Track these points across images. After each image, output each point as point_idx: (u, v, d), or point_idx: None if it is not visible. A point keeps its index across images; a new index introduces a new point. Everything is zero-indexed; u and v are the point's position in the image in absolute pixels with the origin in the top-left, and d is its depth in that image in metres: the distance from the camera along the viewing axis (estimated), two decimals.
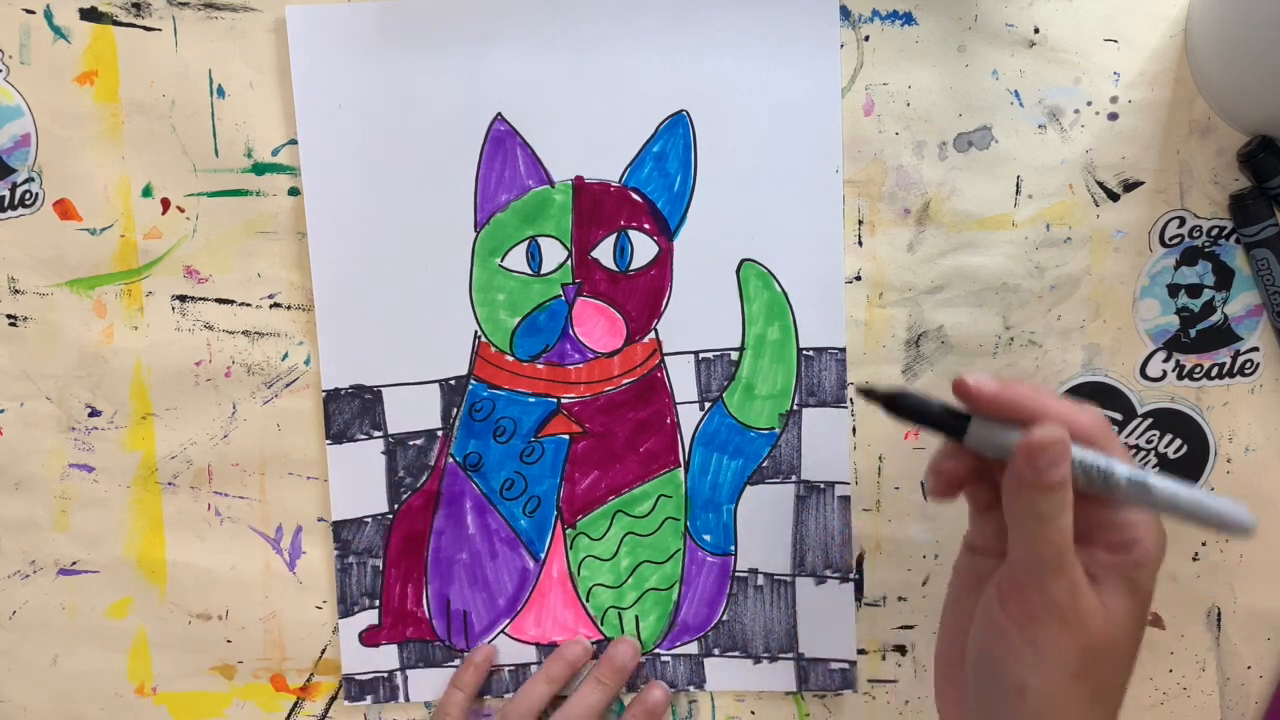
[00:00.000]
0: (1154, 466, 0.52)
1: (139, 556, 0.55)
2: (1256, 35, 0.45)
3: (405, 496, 0.54)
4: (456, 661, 0.54)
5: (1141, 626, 0.36)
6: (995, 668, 0.37)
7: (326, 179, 0.52)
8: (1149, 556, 0.35)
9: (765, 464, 0.53)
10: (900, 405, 0.38)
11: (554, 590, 0.54)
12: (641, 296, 0.52)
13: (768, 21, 0.51)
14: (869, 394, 0.38)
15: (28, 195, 0.53)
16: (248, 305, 0.53)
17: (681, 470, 0.53)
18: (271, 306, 0.53)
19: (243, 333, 0.54)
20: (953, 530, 0.53)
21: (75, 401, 0.54)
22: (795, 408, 0.52)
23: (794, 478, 0.53)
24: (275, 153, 0.53)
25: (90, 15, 0.52)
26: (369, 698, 0.55)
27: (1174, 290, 0.51)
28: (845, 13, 0.51)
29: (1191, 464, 0.52)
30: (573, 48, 0.51)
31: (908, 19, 0.51)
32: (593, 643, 0.54)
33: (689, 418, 0.53)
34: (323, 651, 0.55)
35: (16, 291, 0.54)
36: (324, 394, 0.53)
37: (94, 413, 0.54)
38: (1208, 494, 0.35)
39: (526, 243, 0.52)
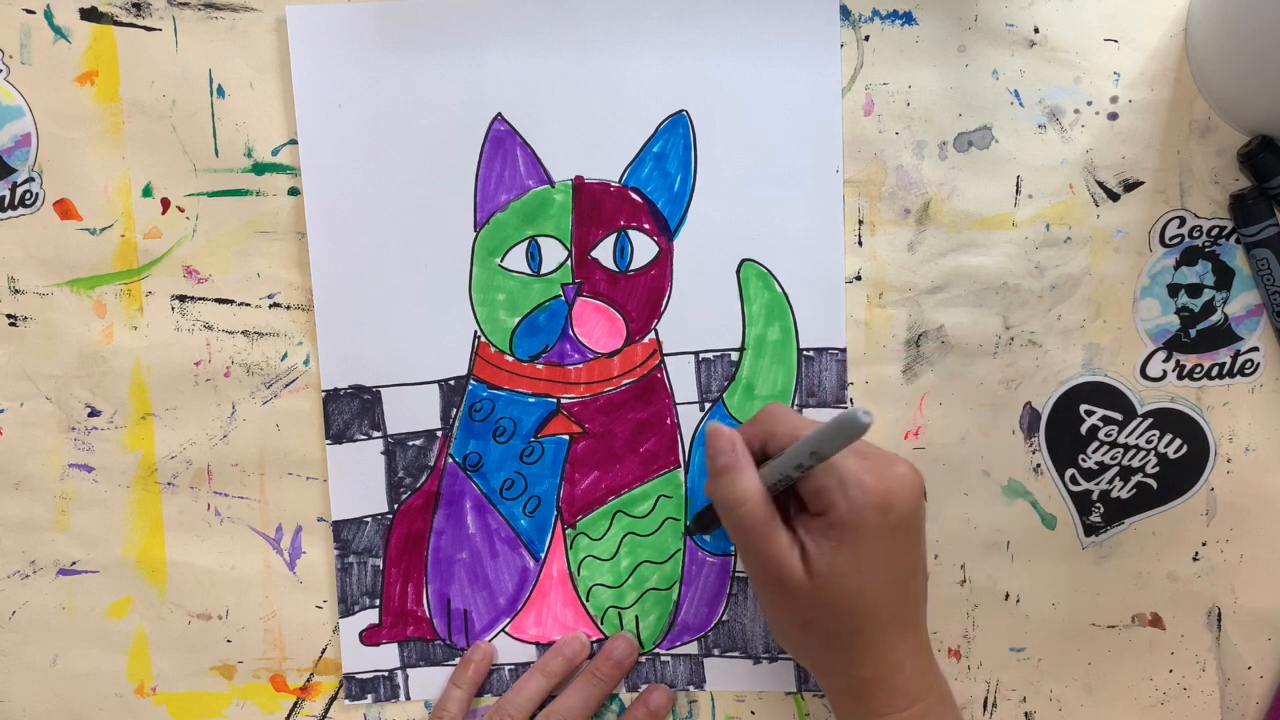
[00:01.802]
0: (1154, 467, 0.52)
1: (139, 556, 0.55)
2: (1256, 35, 0.45)
3: (405, 496, 0.54)
4: (457, 660, 0.54)
5: (847, 575, 0.42)
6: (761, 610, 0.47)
7: (326, 179, 0.52)
8: (842, 515, 0.42)
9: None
10: (703, 524, 0.50)
11: (554, 590, 0.54)
12: (641, 296, 0.52)
13: (768, 21, 0.51)
14: (689, 530, 0.51)
15: (28, 195, 0.53)
16: (247, 305, 0.53)
17: (682, 470, 0.53)
18: (271, 306, 0.53)
19: (242, 333, 0.54)
20: (952, 530, 0.53)
21: (75, 401, 0.54)
22: (796, 408, 0.52)
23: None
24: (275, 153, 0.53)
25: (90, 15, 0.52)
26: (369, 696, 0.55)
27: (1174, 290, 0.51)
28: (845, 13, 0.51)
29: (1191, 464, 0.52)
30: (573, 48, 0.51)
31: (908, 19, 0.51)
32: (592, 642, 0.54)
33: (689, 418, 0.53)
34: (323, 651, 0.55)
35: (16, 291, 0.54)
36: (323, 394, 0.53)
37: (94, 413, 0.54)
38: (836, 419, 0.40)
39: (526, 243, 0.52)
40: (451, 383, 0.53)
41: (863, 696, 0.44)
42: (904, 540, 0.43)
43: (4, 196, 0.53)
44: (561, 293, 0.52)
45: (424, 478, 0.54)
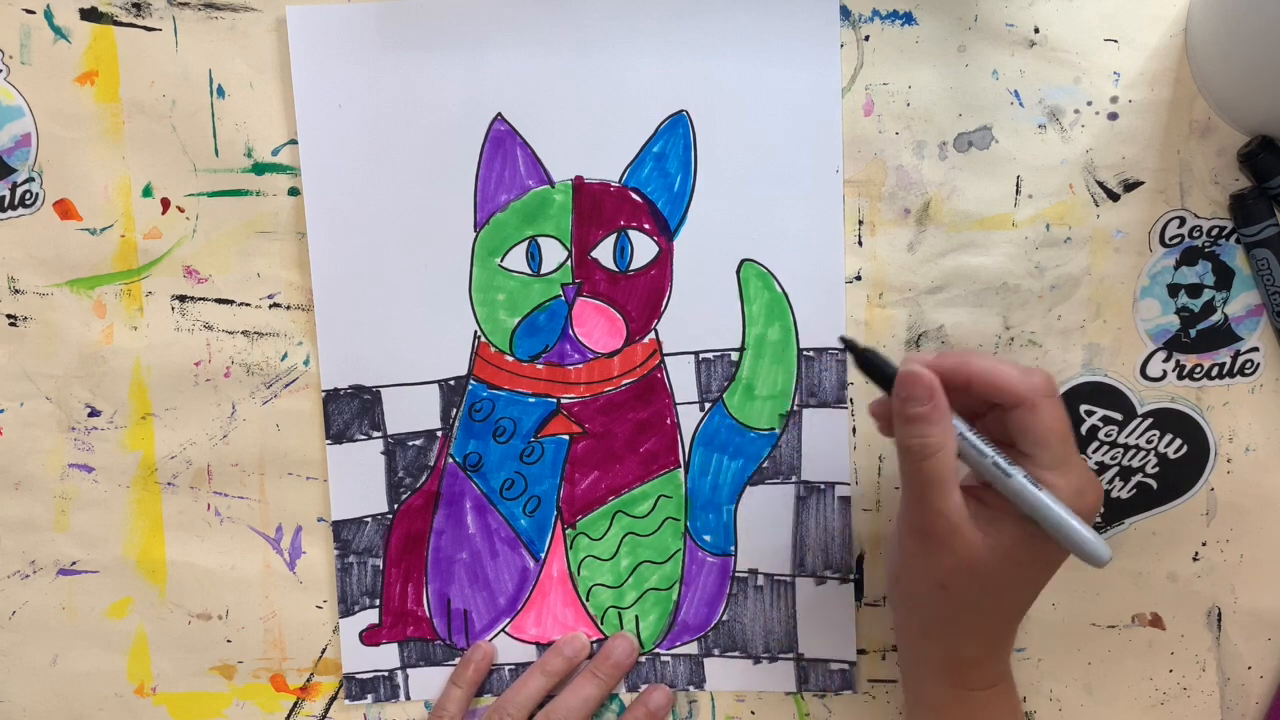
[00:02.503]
0: (1154, 467, 0.52)
1: (139, 556, 0.55)
2: (1256, 35, 0.45)
3: (405, 496, 0.54)
4: (457, 660, 0.54)
5: (1021, 564, 0.42)
6: (888, 569, 0.47)
7: (326, 179, 0.52)
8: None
9: (765, 464, 0.53)
10: (867, 361, 0.44)
11: (554, 590, 0.54)
12: (641, 296, 0.52)
13: (768, 21, 0.51)
14: (850, 346, 0.45)
15: (28, 195, 0.53)
16: (247, 305, 0.53)
17: (681, 470, 0.53)
18: (271, 306, 0.53)
19: (242, 333, 0.54)
20: None
21: (75, 401, 0.54)
22: (795, 408, 0.52)
23: (794, 478, 0.53)
24: (275, 153, 0.53)
25: (90, 15, 0.52)
26: (369, 696, 0.55)
27: (1174, 290, 0.51)
28: (845, 13, 0.51)
29: (1191, 464, 0.52)
30: (573, 48, 0.51)
31: (908, 19, 0.51)
32: (592, 642, 0.54)
33: (689, 418, 0.53)
34: (323, 651, 0.55)
35: (16, 291, 0.54)
36: (323, 394, 0.53)
37: (94, 413, 0.54)
38: (1080, 522, 0.41)
39: (526, 243, 0.52)
40: (451, 383, 0.53)
41: (958, 671, 0.45)
42: (1066, 552, 0.43)
43: (4, 196, 0.53)
44: (561, 293, 0.52)
45: (424, 478, 0.54)
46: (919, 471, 0.42)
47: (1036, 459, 0.42)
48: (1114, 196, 0.51)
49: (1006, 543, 0.42)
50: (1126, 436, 0.52)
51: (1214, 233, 0.51)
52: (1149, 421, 0.52)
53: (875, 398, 0.46)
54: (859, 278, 0.52)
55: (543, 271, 0.52)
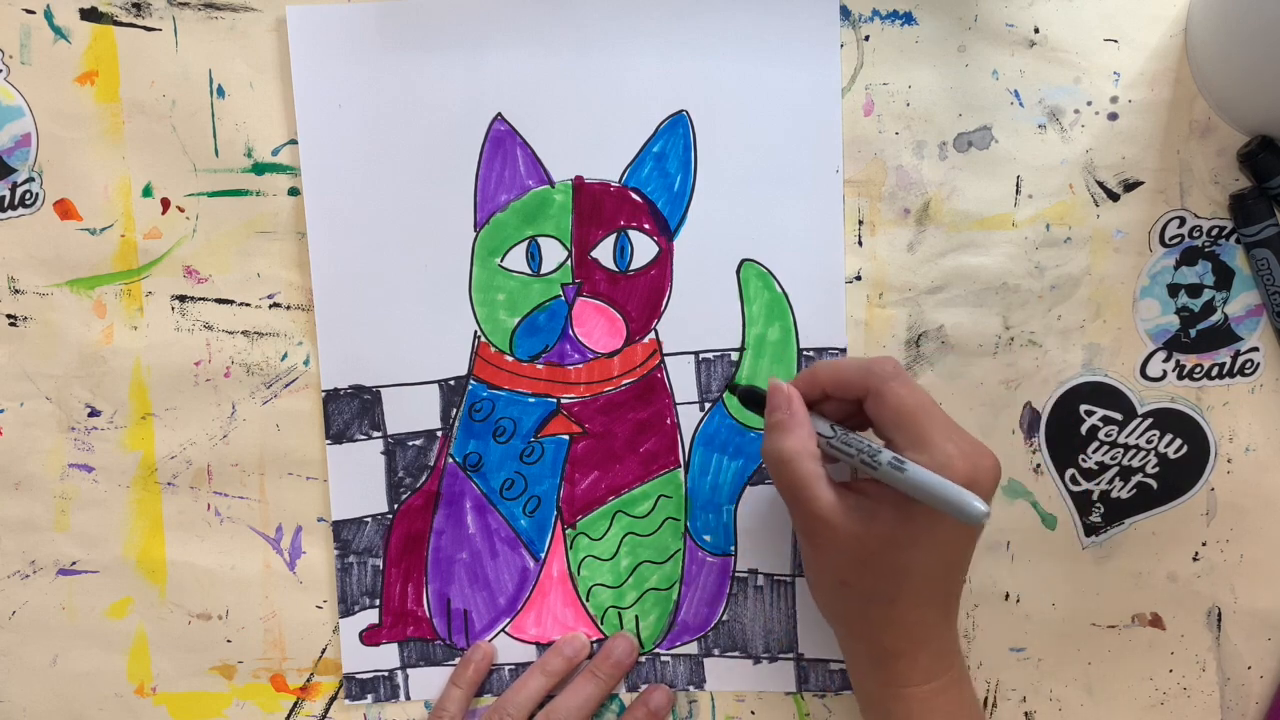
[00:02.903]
0: (1154, 467, 0.52)
1: (139, 556, 0.55)
2: (1256, 35, 0.45)
3: (405, 496, 0.54)
4: (457, 660, 0.54)
5: (907, 545, 0.42)
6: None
7: (326, 179, 0.52)
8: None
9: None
10: (751, 397, 0.48)
11: (554, 590, 0.54)
12: (641, 296, 0.52)
13: (768, 21, 0.51)
14: (732, 388, 0.48)
15: (28, 195, 0.53)
16: (247, 305, 0.53)
17: (681, 470, 0.53)
18: (271, 306, 0.53)
19: (242, 333, 0.54)
20: None
21: (75, 401, 0.54)
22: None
23: None
24: (275, 153, 0.53)
25: (90, 15, 0.52)
26: (369, 696, 0.55)
27: (1174, 290, 0.51)
28: (845, 13, 0.51)
29: (1192, 464, 0.52)
30: (573, 48, 0.51)
31: (908, 19, 0.51)
32: (592, 642, 0.54)
33: (689, 418, 0.53)
34: (323, 651, 0.55)
35: (16, 291, 0.54)
36: (323, 394, 0.53)
37: (94, 413, 0.54)
38: (945, 483, 0.41)
39: (526, 243, 0.52)
40: (451, 383, 0.53)
41: (884, 665, 0.45)
42: (968, 531, 0.44)
43: (4, 196, 0.53)
44: (561, 293, 0.52)
45: (424, 478, 0.54)
46: (785, 478, 0.44)
47: (897, 441, 0.43)
48: (1114, 196, 0.51)
49: (886, 528, 0.42)
50: (1126, 436, 0.52)
51: (1214, 233, 0.51)
52: (1149, 421, 0.52)
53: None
54: (859, 278, 0.52)
55: (543, 271, 0.52)
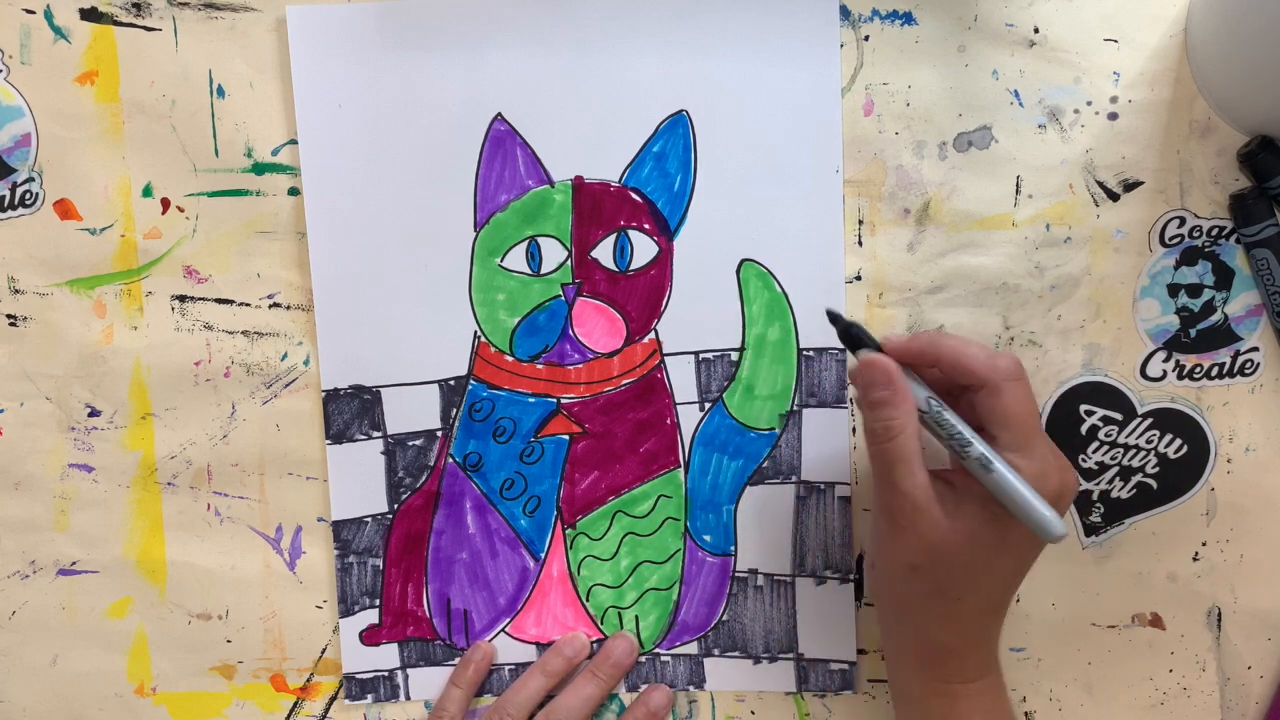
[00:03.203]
0: (1154, 467, 0.52)
1: (139, 556, 0.55)
2: (1256, 35, 0.45)
3: (405, 496, 0.54)
4: (457, 660, 0.54)
5: (987, 546, 0.42)
6: (868, 555, 0.49)
7: (326, 179, 0.52)
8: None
9: (765, 464, 0.53)
10: (849, 335, 0.46)
11: (554, 590, 0.54)
12: (641, 296, 0.52)
13: (768, 21, 0.51)
14: (835, 319, 0.46)
15: (28, 195, 0.53)
16: (247, 305, 0.53)
17: (681, 470, 0.53)
18: (271, 306, 0.53)
19: (242, 333, 0.54)
20: None
21: (75, 401, 0.54)
22: (795, 408, 0.52)
23: (794, 478, 0.53)
24: (275, 153, 0.53)
25: (90, 15, 0.52)
26: (369, 696, 0.55)
27: (1174, 290, 0.51)
28: (845, 13, 0.51)
29: (1192, 464, 0.52)
30: (573, 48, 0.51)
31: (908, 19, 0.51)
32: (592, 642, 0.54)
33: (689, 418, 0.53)
34: (323, 651, 0.55)
35: (16, 291, 0.54)
36: (323, 394, 0.53)
37: (94, 413, 0.54)
38: (1035, 496, 0.41)
39: (526, 243, 0.52)
40: (451, 383, 0.53)
41: (936, 660, 0.45)
42: (1041, 543, 0.44)
43: (4, 196, 0.53)
44: (561, 293, 0.52)
45: (424, 478, 0.54)
46: (883, 453, 0.43)
47: (1000, 440, 0.43)
48: (1114, 196, 0.51)
49: (972, 524, 0.42)
50: (1126, 436, 0.52)
51: (1214, 233, 0.51)
52: (1149, 421, 0.52)
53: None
54: (859, 278, 0.52)
55: (543, 271, 0.52)
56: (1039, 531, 0.41)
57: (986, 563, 0.43)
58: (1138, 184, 0.51)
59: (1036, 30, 0.50)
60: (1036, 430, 0.43)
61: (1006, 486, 0.41)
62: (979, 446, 0.42)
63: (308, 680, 0.55)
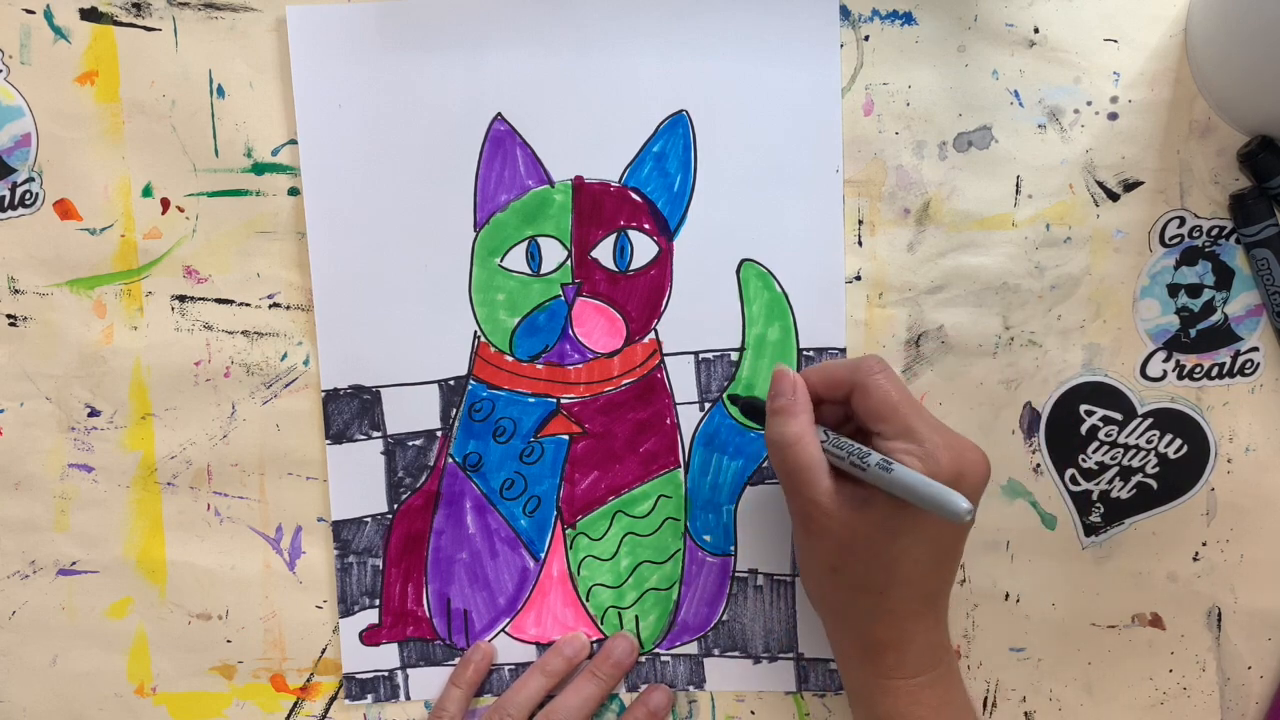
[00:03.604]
0: (1154, 467, 0.52)
1: (139, 556, 0.55)
2: (1256, 35, 0.45)
3: (405, 496, 0.54)
4: (456, 660, 0.54)
5: (899, 534, 0.43)
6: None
7: (326, 179, 0.52)
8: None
9: (765, 464, 0.53)
10: (748, 410, 0.49)
11: (554, 590, 0.54)
12: (641, 296, 0.52)
13: (768, 21, 0.51)
14: (733, 400, 0.50)
15: (28, 195, 0.53)
16: (247, 305, 0.53)
17: (681, 470, 0.53)
18: (271, 306, 0.53)
19: (242, 333, 0.54)
20: None
21: (75, 401, 0.54)
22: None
23: None
24: (275, 153, 0.53)
25: (90, 15, 0.52)
26: (369, 696, 0.55)
27: (1174, 290, 0.51)
28: (845, 13, 0.51)
29: (1192, 464, 0.52)
30: (573, 48, 0.51)
31: (908, 19, 0.51)
32: (592, 642, 0.54)
33: (689, 418, 0.53)
34: (323, 651, 0.55)
35: (16, 291, 0.54)
36: (323, 394, 0.53)
37: (93, 413, 0.54)
38: (931, 482, 0.41)
39: (526, 243, 0.52)
40: (451, 383, 0.53)
41: (873, 657, 0.45)
42: (956, 526, 0.44)
43: (4, 196, 0.53)
44: (561, 293, 0.52)
45: (424, 478, 0.54)
46: (787, 463, 0.44)
47: (883, 434, 0.44)
48: (1114, 196, 0.51)
49: (879, 516, 0.43)
50: (1126, 436, 0.52)
51: (1214, 233, 0.51)
52: (1149, 421, 0.52)
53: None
54: (859, 278, 0.52)
55: (543, 271, 0.52)
56: (944, 513, 0.41)
57: (903, 551, 0.43)
58: (1138, 184, 0.51)
59: (1036, 30, 0.50)
60: (915, 415, 0.44)
61: (904, 478, 0.42)
62: (874, 455, 0.43)
63: (308, 680, 0.55)
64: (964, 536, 0.46)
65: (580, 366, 0.53)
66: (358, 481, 0.54)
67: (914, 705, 0.45)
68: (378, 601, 0.54)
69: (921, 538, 0.43)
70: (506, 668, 0.54)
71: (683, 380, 0.53)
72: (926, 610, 0.45)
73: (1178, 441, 0.52)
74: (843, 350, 0.52)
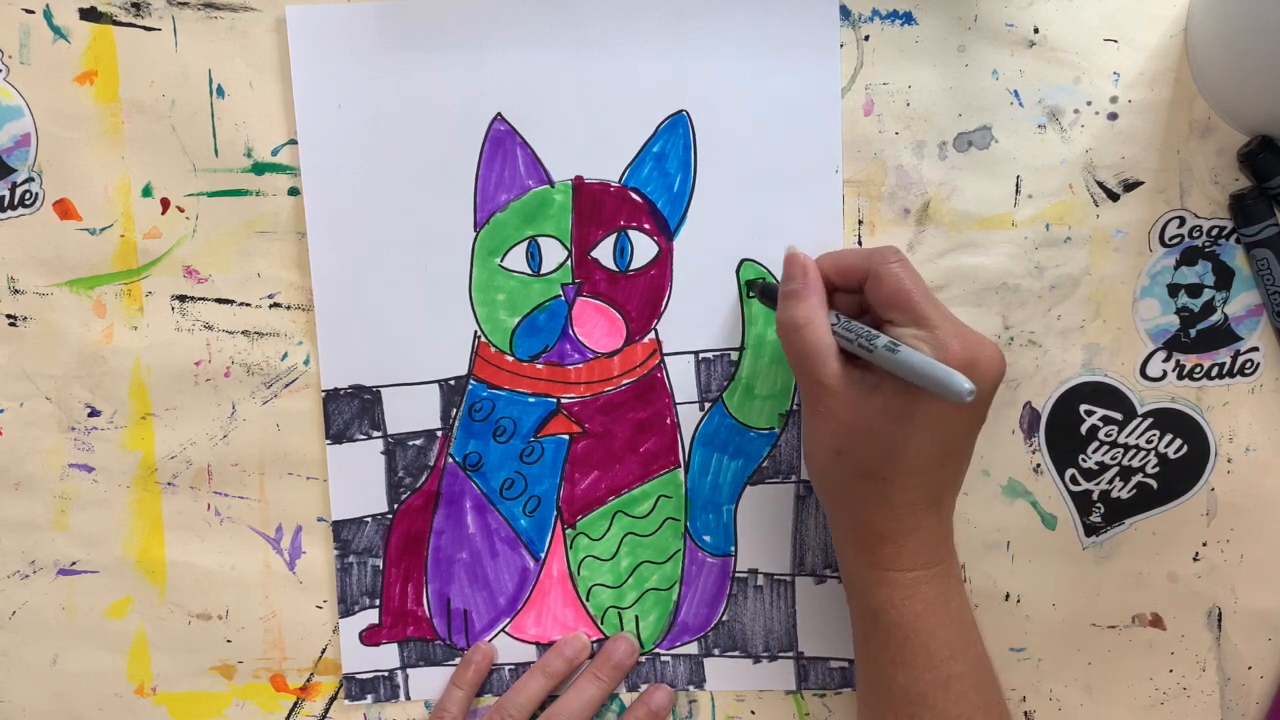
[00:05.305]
0: (1154, 467, 0.52)
1: (139, 556, 0.55)
2: (1256, 35, 0.45)
3: (405, 496, 0.54)
4: (457, 660, 0.54)
5: (904, 419, 0.43)
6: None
7: (326, 179, 0.52)
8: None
9: (765, 464, 0.53)
10: (765, 294, 0.50)
11: (554, 590, 0.54)
12: (641, 296, 0.52)
13: (768, 21, 0.51)
14: (750, 285, 0.51)
15: (28, 195, 0.53)
16: (247, 305, 0.53)
17: (681, 470, 0.53)
18: (271, 306, 0.53)
19: (242, 333, 0.54)
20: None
21: (75, 401, 0.54)
22: (795, 408, 0.52)
23: (794, 478, 0.53)
24: (275, 153, 0.53)
25: (90, 15, 0.52)
26: (369, 696, 0.55)
27: (1174, 290, 0.51)
28: (845, 12, 0.51)
29: (1191, 464, 0.52)
30: (573, 48, 0.51)
31: (908, 19, 0.51)
32: (592, 642, 0.54)
33: (689, 418, 0.53)
34: (323, 651, 0.55)
35: (16, 291, 0.54)
36: (323, 394, 0.53)
37: (93, 413, 0.54)
38: (934, 362, 0.41)
39: (526, 243, 0.52)
40: (451, 383, 0.53)
41: (871, 546, 0.45)
42: (964, 417, 0.44)
43: (4, 196, 0.53)
44: (561, 293, 0.52)
45: (424, 478, 0.54)
46: (796, 345, 0.45)
47: (896, 321, 0.44)
48: (1114, 196, 0.51)
49: (885, 401, 0.43)
50: (1126, 436, 0.52)
51: (1214, 233, 0.51)
52: (1149, 421, 0.52)
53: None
54: None
55: (543, 271, 0.52)
56: (944, 393, 0.40)
57: (906, 439, 0.43)
58: (1138, 184, 0.51)
59: (1036, 30, 0.50)
60: (928, 303, 0.44)
61: (906, 358, 0.42)
62: (882, 337, 0.43)
63: (308, 680, 0.55)
64: (973, 433, 0.45)
65: (580, 366, 0.53)
66: (358, 481, 0.54)
67: (907, 599, 0.45)
68: (378, 601, 0.54)
69: (927, 426, 0.43)
70: (507, 668, 0.54)
71: (683, 380, 0.53)
72: (929, 506, 0.45)
73: (1178, 441, 0.52)
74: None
